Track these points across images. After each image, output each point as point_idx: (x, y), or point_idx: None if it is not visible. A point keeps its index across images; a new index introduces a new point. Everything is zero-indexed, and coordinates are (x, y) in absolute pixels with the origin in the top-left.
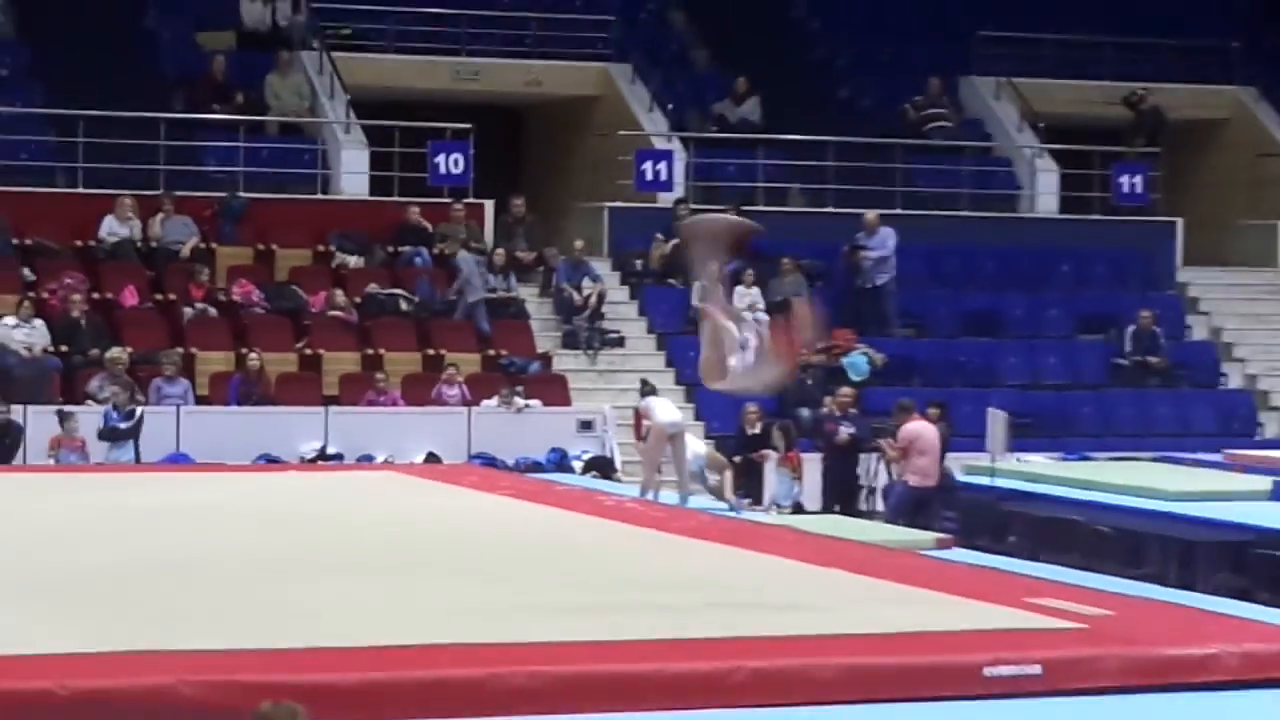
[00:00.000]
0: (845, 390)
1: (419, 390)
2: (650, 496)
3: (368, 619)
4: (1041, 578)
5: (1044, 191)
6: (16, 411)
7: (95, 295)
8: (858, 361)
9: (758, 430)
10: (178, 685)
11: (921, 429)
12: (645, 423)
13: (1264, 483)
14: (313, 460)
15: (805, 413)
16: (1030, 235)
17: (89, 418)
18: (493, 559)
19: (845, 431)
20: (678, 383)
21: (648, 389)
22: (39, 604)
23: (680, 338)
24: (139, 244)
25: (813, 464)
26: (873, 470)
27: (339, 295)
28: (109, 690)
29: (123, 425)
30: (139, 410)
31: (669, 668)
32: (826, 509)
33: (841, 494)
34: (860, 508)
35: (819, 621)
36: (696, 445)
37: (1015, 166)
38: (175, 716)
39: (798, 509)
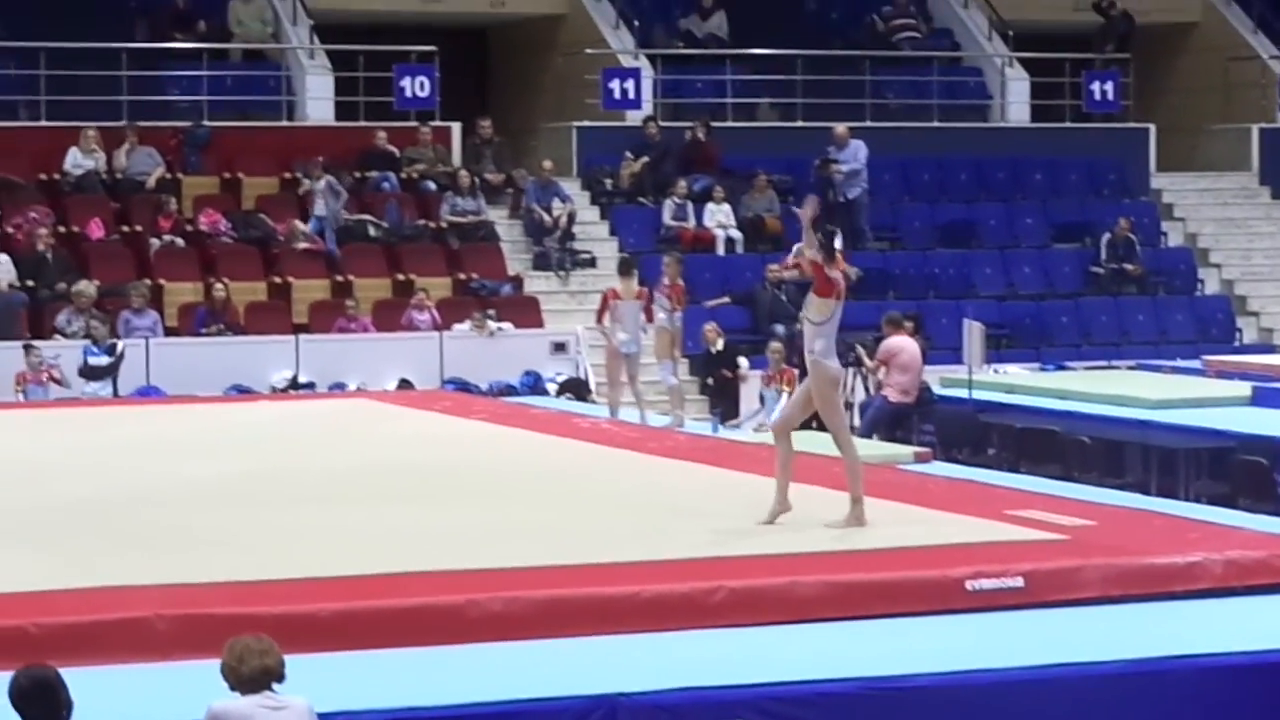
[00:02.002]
0: None
1: (390, 316)
2: (616, 416)
3: (342, 548)
4: (1022, 489)
5: (1015, 100)
6: None
7: (61, 229)
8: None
9: (720, 348)
10: (153, 619)
11: (903, 344)
12: (612, 303)
13: (1243, 388)
14: (284, 390)
15: (780, 329)
16: (1002, 145)
17: (65, 353)
18: (468, 484)
19: None
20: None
21: (626, 267)
22: (12, 540)
23: (652, 256)
24: (104, 176)
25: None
26: (849, 385)
27: (300, 225)
28: (83, 626)
29: (104, 361)
30: (120, 345)
31: (648, 589)
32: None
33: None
34: None
35: (798, 540)
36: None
37: (985, 76)
38: (151, 650)
39: None
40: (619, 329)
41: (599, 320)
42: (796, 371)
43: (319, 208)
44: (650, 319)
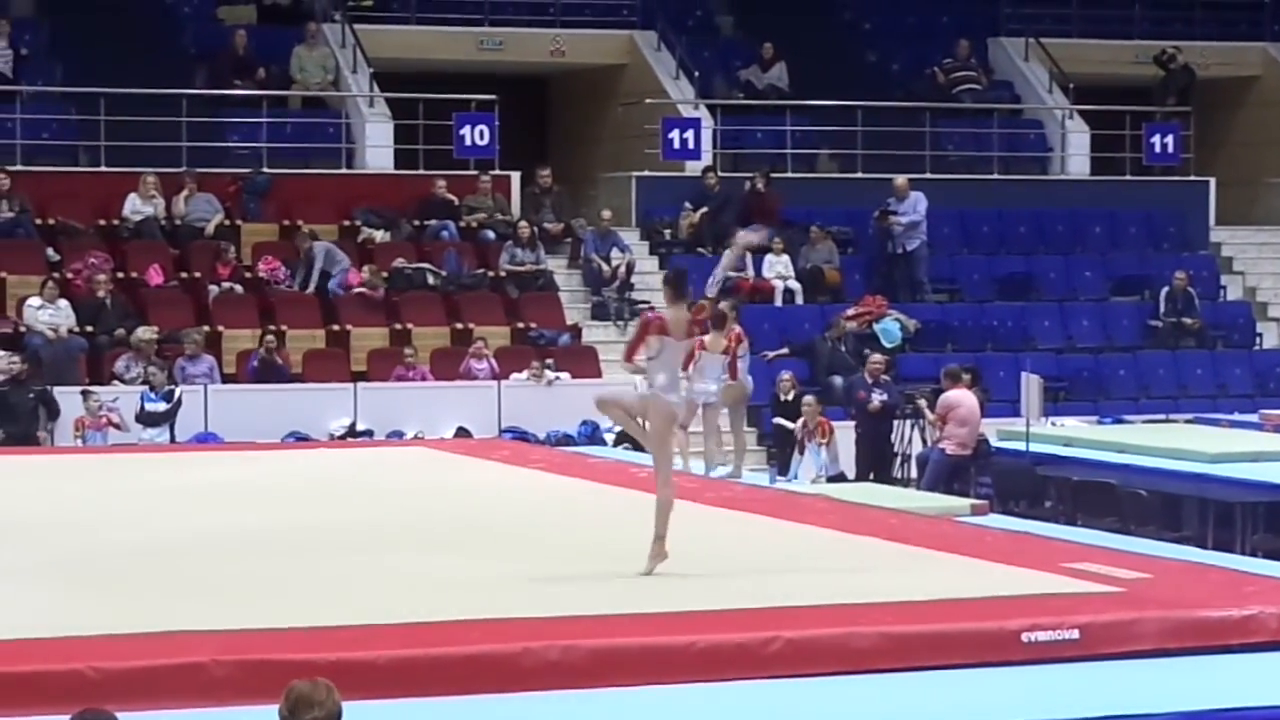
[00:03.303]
0: (877, 357)
1: (448, 365)
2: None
3: (400, 595)
4: (1078, 542)
5: (1075, 153)
6: None
7: (120, 275)
8: (890, 328)
9: (790, 398)
10: (210, 665)
11: (961, 397)
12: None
13: None
14: (342, 437)
15: (838, 380)
16: (1062, 197)
17: (123, 398)
18: (525, 533)
19: (877, 399)
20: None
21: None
22: (71, 585)
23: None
24: (163, 222)
25: (846, 432)
26: (906, 437)
27: (365, 272)
28: (140, 670)
29: (161, 407)
30: (177, 391)
31: (703, 639)
32: (861, 477)
33: (875, 462)
34: (894, 475)
35: (855, 590)
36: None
37: (1046, 128)
38: (208, 696)
39: (838, 479)
40: (697, 379)
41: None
42: (835, 424)
43: (319, 269)
44: (734, 375)
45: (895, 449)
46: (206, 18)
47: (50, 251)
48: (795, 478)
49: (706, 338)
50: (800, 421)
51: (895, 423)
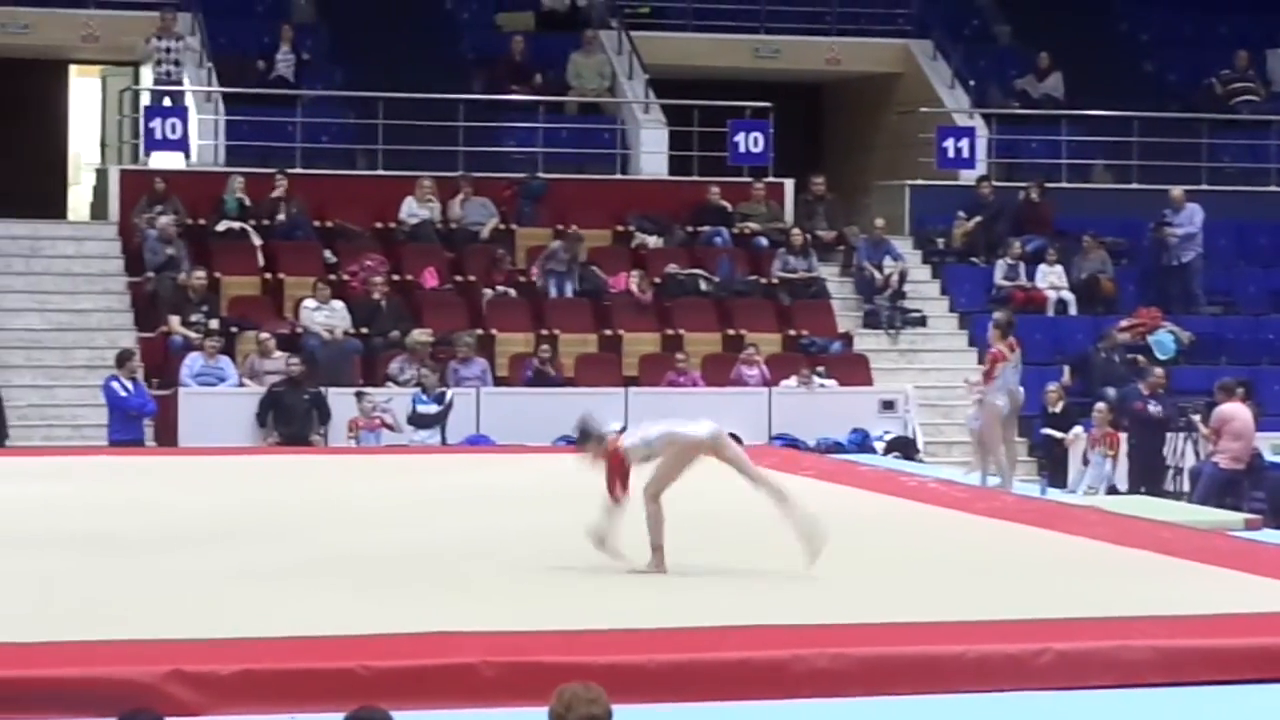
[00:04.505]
0: (1158, 371)
1: (719, 370)
2: (993, 482)
3: (667, 601)
4: None
5: None
6: None
7: (395, 277)
8: (1164, 340)
9: (1060, 410)
10: (480, 666)
11: (1236, 411)
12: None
13: None
14: None
15: (1110, 392)
16: None
17: (395, 400)
18: (794, 540)
19: (1155, 411)
20: (979, 363)
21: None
22: (343, 585)
23: (983, 316)
24: (439, 226)
25: (1123, 445)
26: (1179, 450)
27: (634, 277)
28: (410, 670)
29: (432, 409)
30: (449, 394)
31: (974, 649)
32: (1133, 490)
33: (1148, 475)
34: (1166, 488)
35: (1126, 602)
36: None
37: None
38: (477, 696)
39: (1111, 491)
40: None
41: (988, 381)
42: (1123, 435)
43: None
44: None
45: (1168, 462)
46: (485, 24)
47: (327, 253)
48: (1077, 490)
49: (1004, 348)
50: (1075, 431)
51: (1169, 435)
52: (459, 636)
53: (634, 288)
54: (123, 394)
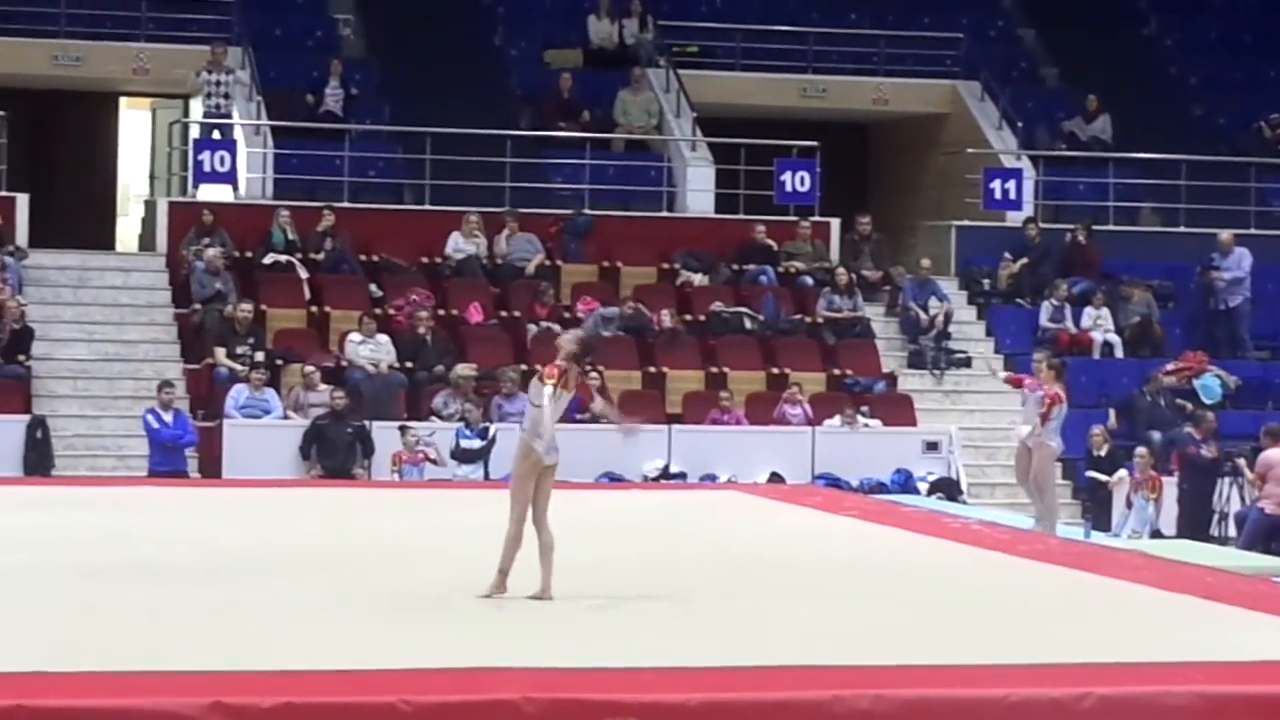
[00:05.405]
0: (1210, 415)
1: (762, 409)
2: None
3: (708, 640)
4: None
5: None
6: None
7: (441, 312)
8: (1210, 384)
9: (1104, 453)
10: (521, 702)
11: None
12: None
13: None
14: (656, 479)
15: (1155, 435)
16: None
17: (439, 434)
18: (837, 581)
19: (1207, 455)
20: (1024, 404)
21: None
22: (385, 619)
23: (1029, 358)
24: (484, 261)
25: (1168, 488)
26: (1225, 495)
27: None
28: (452, 706)
29: (476, 444)
30: (492, 429)
31: (1016, 692)
32: (1181, 534)
33: (1195, 519)
34: (1212, 533)
35: (1169, 648)
36: None
37: None
38: None
39: (1155, 535)
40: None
41: (1044, 422)
42: (1165, 479)
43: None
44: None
45: (1214, 507)
46: (533, 60)
47: (373, 287)
48: (1121, 534)
49: (1060, 389)
50: (1118, 474)
51: (1216, 480)
52: (501, 672)
53: (665, 318)
54: (155, 425)
